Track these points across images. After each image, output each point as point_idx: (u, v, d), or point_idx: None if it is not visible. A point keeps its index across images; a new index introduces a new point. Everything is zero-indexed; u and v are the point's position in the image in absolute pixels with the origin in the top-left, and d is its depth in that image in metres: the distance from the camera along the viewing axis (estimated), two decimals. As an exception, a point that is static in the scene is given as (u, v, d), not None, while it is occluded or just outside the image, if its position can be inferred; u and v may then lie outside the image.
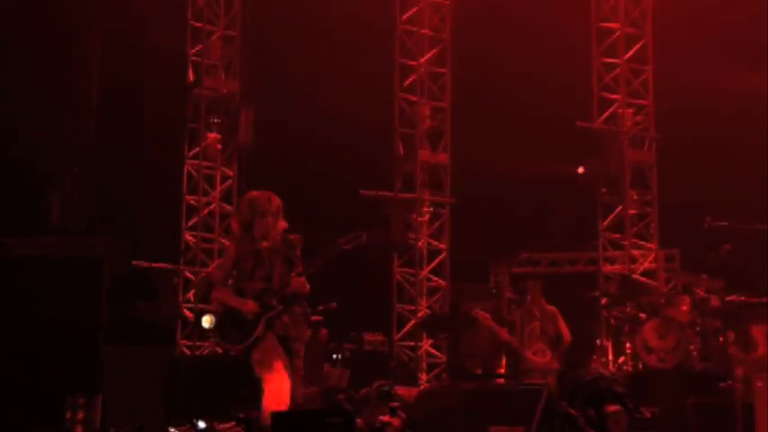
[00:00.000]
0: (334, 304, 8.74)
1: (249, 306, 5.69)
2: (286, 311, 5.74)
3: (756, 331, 7.89)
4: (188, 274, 11.39)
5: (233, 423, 6.96)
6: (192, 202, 11.58)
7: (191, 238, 11.50)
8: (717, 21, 11.56)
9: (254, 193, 5.91)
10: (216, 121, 11.76)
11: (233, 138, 11.67)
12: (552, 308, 8.71)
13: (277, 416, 4.97)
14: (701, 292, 9.11)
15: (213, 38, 11.82)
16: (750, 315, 8.35)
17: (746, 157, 11.45)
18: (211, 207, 11.67)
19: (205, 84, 11.62)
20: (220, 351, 10.61)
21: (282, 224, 5.82)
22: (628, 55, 12.36)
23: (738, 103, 11.58)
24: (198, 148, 11.62)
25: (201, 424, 7.73)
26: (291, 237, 5.79)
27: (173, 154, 11.60)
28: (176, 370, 8.58)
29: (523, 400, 4.61)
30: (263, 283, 5.74)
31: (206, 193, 11.66)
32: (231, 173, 11.81)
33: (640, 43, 12.39)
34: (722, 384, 7.30)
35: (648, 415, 6.34)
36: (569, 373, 7.43)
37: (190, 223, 11.53)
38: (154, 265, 11.00)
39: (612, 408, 5.80)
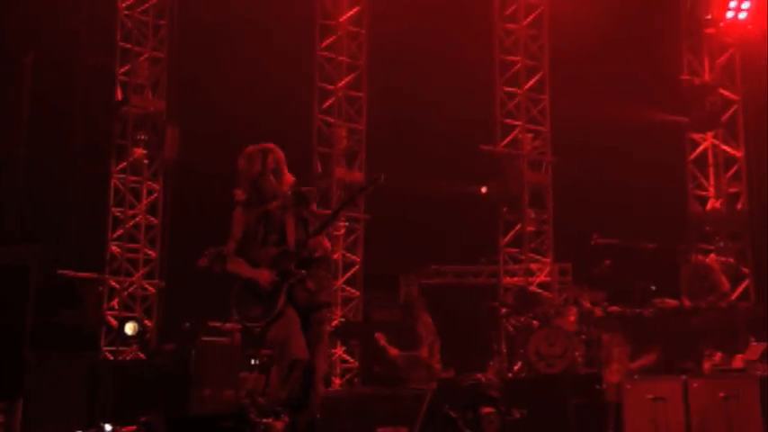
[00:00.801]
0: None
1: (265, 276, 4.83)
2: (309, 276, 4.88)
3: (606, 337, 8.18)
4: (113, 283, 11.32)
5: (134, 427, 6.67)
6: (117, 214, 11.52)
7: (116, 248, 11.43)
8: (607, 57, 12.10)
9: (249, 148, 5.09)
10: (143, 137, 11.72)
11: (159, 153, 11.66)
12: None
13: (173, 421, 4.93)
14: (587, 304, 9.46)
15: (141, 58, 11.81)
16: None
17: (632, 181, 11.98)
18: (137, 219, 11.64)
19: (132, 102, 11.60)
20: (143, 356, 10.70)
21: (289, 178, 5.00)
22: (527, 85, 12.78)
23: (625, 131, 12.10)
24: (125, 163, 11.57)
25: (108, 427, 7.56)
26: (303, 190, 5.01)
27: (100, 168, 11.54)
28: (99, 375, 8.52)
29: (409, 403, 4.82)
30: (277, 248, 4.90)
31: (132, 206, 11.62)
32: (157, 186, 11.79)
33: (539, 75, 12.83)
34: (598, 387, 7.59)
35: (518, 416, 6.60)
36: (450, 380, 7.66)
37: (115, 235, 11.47)
38: (79, 274, 10.89)
39: (487, 410, 6.05)
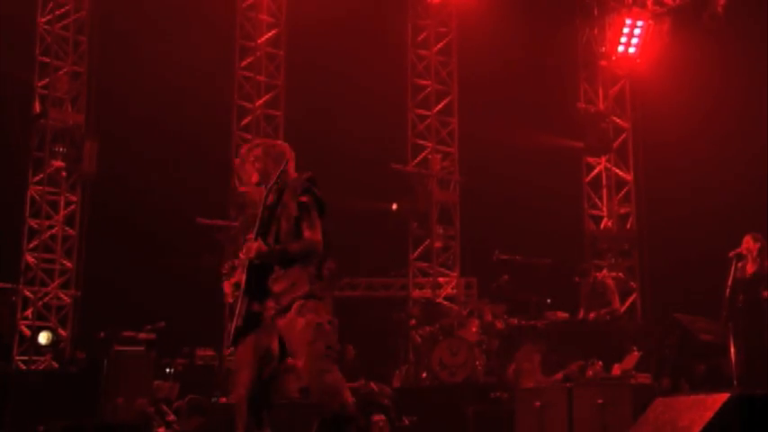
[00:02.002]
0: (162, 323, 8.74)
1: (225, 288, 4.24)
2: (275, 278, 4.13)
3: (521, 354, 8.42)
4: (27, 293, 11.05)
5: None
6: (34, 225, 11.26)
7: (31, 258, 11.17)
8: (511, 85, 12.50)
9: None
10: (61, 150, 11.49)
11: (77, 166, 11.45)
12: None
13: (69, 429, 4.76)
14: (488, 316, 9.71)
15: (60, 72, 11.60)
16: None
17: (534, 200, 12.39)
18: (54, 230, 11.41)
19: (51, 115, 11.36)
20: (56, 366, 10.46)
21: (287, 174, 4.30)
22: (437, 108, 13.09)
23: (527, 154, 12.52)
24: (42, 175, 11.33)
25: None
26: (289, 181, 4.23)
27: (16, 179, 11.27)
28: (9, 384, 8.32)
29: (309, 411, 4.91)
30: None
31: (49, 217, 11.38)
32: (75, 198, 11.58)
33: (448, 99, 13.16)
34: (493, 395, 7.80)
35: (408, 422, 6.75)
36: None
37: (31, 245, 11.21)
38: (-7, 283, 10.60)
39: (377, 417, 6.18)
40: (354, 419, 4.10)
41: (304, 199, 4.24)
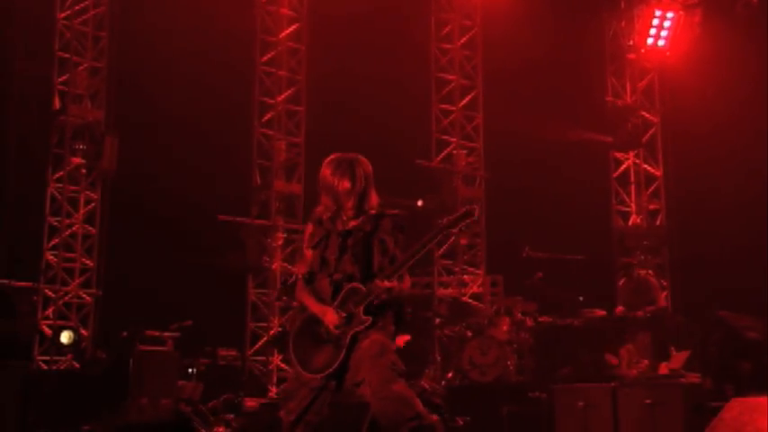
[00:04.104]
0: (189, 321, 8.57)
1: (330, 317, 3.98)
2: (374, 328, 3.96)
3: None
4: (48, 292, 10.90)
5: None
6: (54, 223, 11.11)
7: (52, 257, 11.02)
8: (537, 78, 12.27)
9: (336, 155, 4.25)
10: (81, 147, 11.34)
11: (97, 163, 11.29)
12: None
13: (118, 429, 4.65)
14: (518, 314, 9.52)
15: (80, 68, 11.43)
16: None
17: (562, 195, 12.14)
18: (74, 228, 11.25)
19: (71, 111, 11.20)
20: (77, 366, 10.31)
21: (375, 197, 4.18)
22: (462, 103, 12.86)
23: (553, 149, 12.27)
24: (62, 172, 11.18)
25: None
26: (393, 213, 4.17)
27: (36, 177, 11.12)
28: (31, 385, 8.16)
29: (352, 413, 4.71)
30: (349, 281, 4.02)
31: (69, 215, 11.23)
32: (95, 196, 11.42)
33: (473, 93, 12.92)
34: (530, 394, 7.61)
35: (462, 423, 6.56)
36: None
37: (51, 243, 11.06)
38: (13, 282, 10.44)
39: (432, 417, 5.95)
40: (438, 427, 3.91)
41: (401, 238, 4.12)
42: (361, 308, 3.98)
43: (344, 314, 3.99)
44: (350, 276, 4.07)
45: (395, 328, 4.14)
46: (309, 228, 4.28)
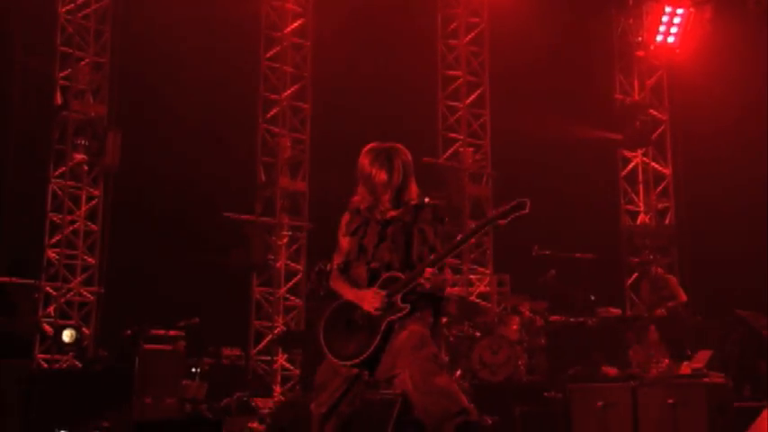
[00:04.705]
0: (196, 319, 8.42)
1: (370, 299, 3.85)
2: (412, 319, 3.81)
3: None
4: (49, 290, 10.74)
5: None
6: (56, 220, 10.95)
7: (53, 254, 10.86)
8: (544, 75, 12.11)
9: (374, 145, 4.21)
10: (83, 142, 11.17)
11: (100, 159, 11.13)
12: None
13: (140, 427, 4.57)
14: (527, 313, 9.37)
15: (82, 63, 11.28)
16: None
17: (570, 193, 12.00)
18: (76, 225, 11.09)
19: (73, 107, 11.04)
20: (79, 365, 10.14)
21: (415, 188, 4.08)
22: (468, 100, 12.72)
23: (561, 146, 12.13)
24: (64, 168, 11.02)
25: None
26: (434, 203, 4.06)
27: (38, 173, 10.96)
28: (33, 384, 8.00)
29: (379, 409, 4.56)
30: (386, 270, 3.92)
31: (71, 212, 11.07)
32: (97, 193, 11.26)
33: (479, 90, 12.79)
34: (546, 394, 7.47)
35: (490, 422, 6.42)
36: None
37: (53, 240, 10.89)
38: (14, 279, 10.28)
39: None
40: (484, 426, 3.78)
41: (441, 229, 4.01)
42: (399, 296, 3.85)
43: (384, 293, 3.86)
44: (387, 265, 3.95)
45: (433, 320, 3.99)
46: (346, 216, 4.18)
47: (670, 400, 5.61)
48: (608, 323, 8.19)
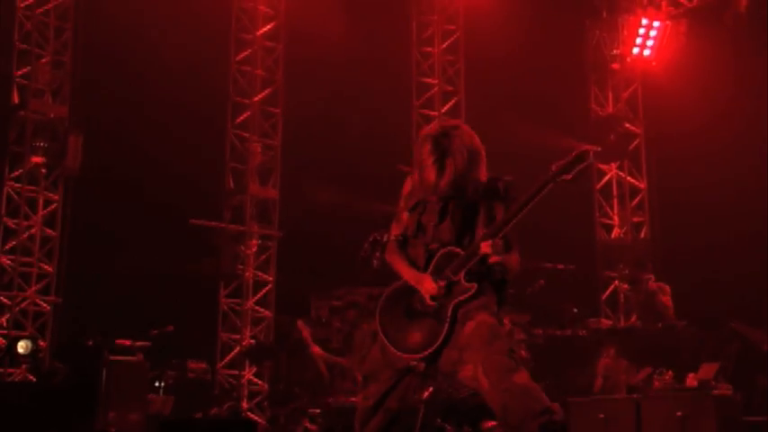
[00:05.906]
0: (170, 327, 7.97)
1: (429, 286, 3.45)
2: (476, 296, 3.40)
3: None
4: (2, 299, 10.12)
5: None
6: (11, 225, 10.36)
7: (7, 261, 10.25)
8: (520, 85, 11.95)
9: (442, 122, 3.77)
10: (42, 144, 10.62)
11: (60, 162, 10.59)
12: None
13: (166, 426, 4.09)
14: (508, 325, 9.09)
15: (42, 62, 10.75)
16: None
17: (545, 206, 11.78)
18: (32, 231, 10.50)
19: (31, 107, 10.53)
20: (33, 379, 9.54)
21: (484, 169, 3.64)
22: (444, 109, 12.50)
23: (537, 157, 11.90)
24: (21, 171, 10.44)
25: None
26: (504, 179, 3.68)
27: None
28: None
29: (333, 417, 4.19)
30: (445, 246, 3.50)
31: (27, 217, 10.48)
32: (56, 197, 10.69)
33: (455, 99, 12.58)
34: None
35: None
36: (443, 391, 7.06)
37: (7, 247, 10.30)
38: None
39: (490, 423, 5.48)
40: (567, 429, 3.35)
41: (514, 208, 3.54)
42: (462, 274, 3.45)
43: (443, 283, 3.45)
44: (446, 243, 3.56)
45: (497, 309, 3.59)
46: (408, 184, 3.76)
47: (679, 413, 5.35)
48: (598, 336, 7.94)
